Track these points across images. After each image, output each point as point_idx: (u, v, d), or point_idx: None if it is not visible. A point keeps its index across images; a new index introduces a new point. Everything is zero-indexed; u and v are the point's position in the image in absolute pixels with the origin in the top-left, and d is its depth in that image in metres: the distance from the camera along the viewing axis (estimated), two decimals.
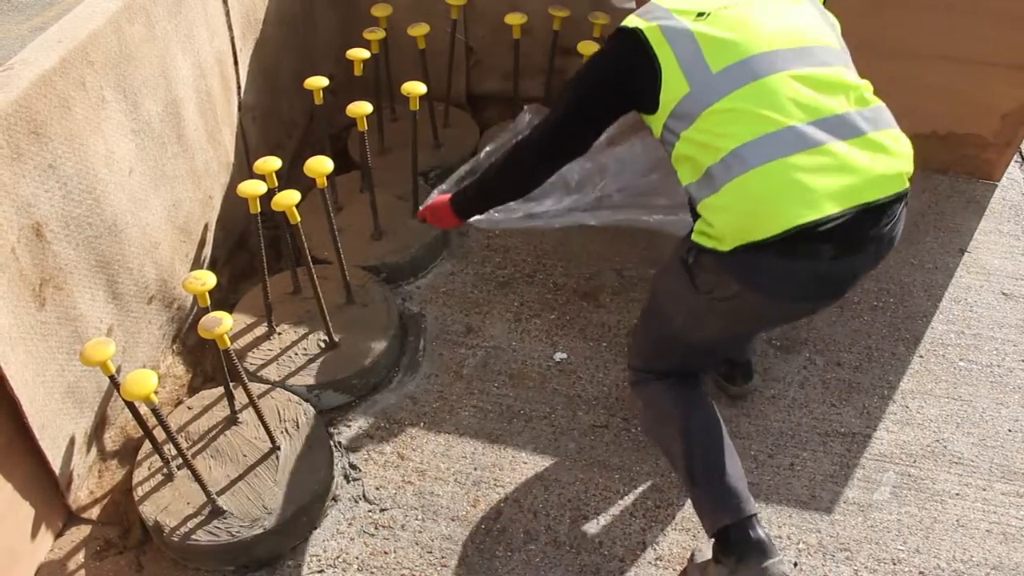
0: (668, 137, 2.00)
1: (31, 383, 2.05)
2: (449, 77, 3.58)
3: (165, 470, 2.33)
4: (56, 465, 2.19)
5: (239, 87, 3.00)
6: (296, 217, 2.38)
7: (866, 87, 1.97)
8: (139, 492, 2.29)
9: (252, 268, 3.07)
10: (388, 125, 3.54)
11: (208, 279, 2.16)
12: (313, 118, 3.53)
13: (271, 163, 2.43)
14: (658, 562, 2.26)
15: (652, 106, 2.00)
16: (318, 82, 2.78)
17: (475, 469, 2.49)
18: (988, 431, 2.60)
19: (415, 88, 2.80)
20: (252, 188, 2.37)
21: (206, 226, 2.86)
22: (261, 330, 2.74)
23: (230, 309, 2.80)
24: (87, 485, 2.37)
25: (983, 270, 3.17)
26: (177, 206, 2.65)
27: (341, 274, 2.74)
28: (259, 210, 2.43)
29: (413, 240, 3.10)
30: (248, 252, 3.12)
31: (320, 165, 2.45)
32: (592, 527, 2.35)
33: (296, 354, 2.68)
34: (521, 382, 2.71)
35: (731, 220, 1.86)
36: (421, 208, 2.56)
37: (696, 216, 1.99)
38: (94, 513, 2.35)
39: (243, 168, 3.05)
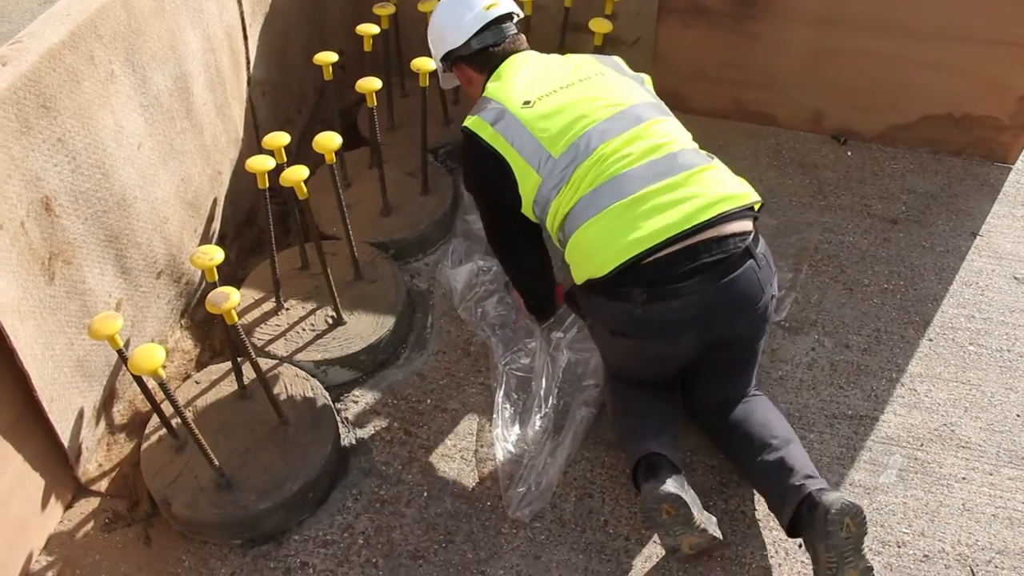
0: (540, 220, 2.34)
1: (40, 357, 2.06)
2: None
3: (173, 444, 2.34)
4: (65, 438, 2.20)
5: (248, 62, 2.98)
6: (304, 193, 2.38)
7: (677, 136, 2.23)
8: (147, 465, 2.31)
9: (260, 244, 3.07)
10: (398, 101, 3.53)
11: (216, 254, 2.16)
12: (322, 93, 3.51)
13: (280, 138, 2.43)
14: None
15: (519, 202, 2.31)
16: (328, 57, 2.77)
17: (481, 446, 2.50)
18: (996, 416, 2.59)
19: (425, 64, 2.79)
20: (261, 163, 2.37)
21: (215, 201, 2.86)
22: (269, 305, 2.75)
23: (238, 284, 2.80)
24: (96, 458, 2.39)
25: (995, 254, 3.14)
26: (186, 181, 2.65)
27: (349, 250, 2.74)
28: (268, 185, 2.42)
29: (422, 217, 3.09)
30: (256, 228, 3.12)
31: (329, 141, 2.44)
32: (597, 506, 2.35)
33: (304, 330, 2.68)
34: (530, 360, 2.71)
35: (576, 267, 2.21)
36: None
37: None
38: (103, 486, 2.37)
39: (252, 143, 3.04)
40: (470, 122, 2.34)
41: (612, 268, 2.07)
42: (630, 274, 2.07)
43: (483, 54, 2.49)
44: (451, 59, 2.55)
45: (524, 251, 2.56)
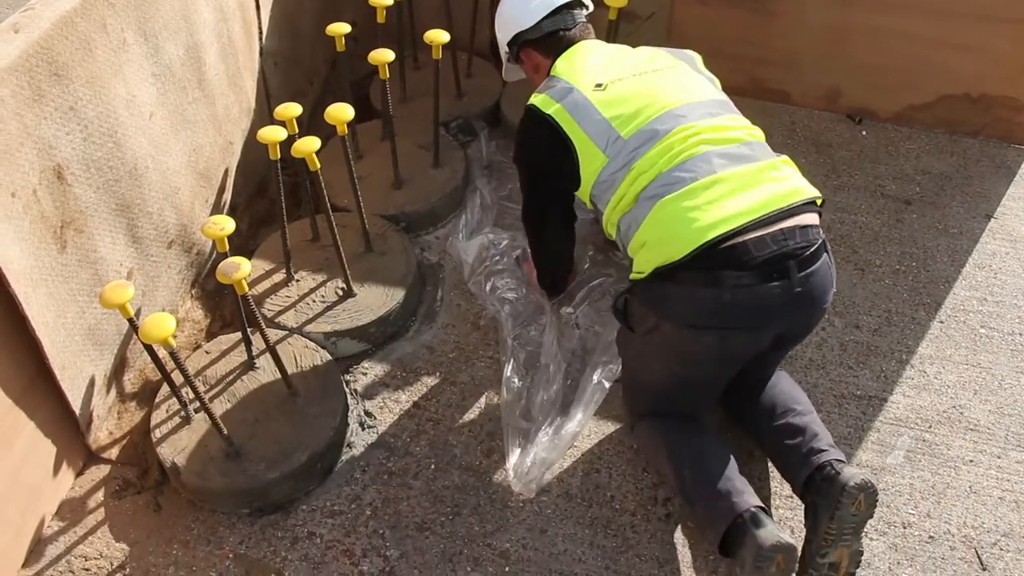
0: (597, 204, 2.25)
1: (52, 324, 2.07)
2: (473, 26, 3.53)
3: (183, 413, 2.36)
4: (76, 406, 2.22)
5: (261, 32, 2.97)
6: (316, 164, 2.37)
7: (750, 130, 2.18)
8: (157, 434, 2.33)
9: (271, 215, 3.07)
10: (410, 74, 3.51)
11: (227, 224, 2.16)
12: (335, 65, 3.50)
13: (292, 109, 2.42)
14: (668, 519, 2.27)
15: (577, 182, 2.26)
16: (340, 29, 2.75)
17: (489, 420, 2.50)
18: (1006, 399, 2.58)
19: (438, 36, 2.77)
20: (272, 134, 2.36)
21: (226, 172, 2.86)
22: (279, 276, 2.75)
23: (249, 255, 2.81)
24: (106, 426, 2.40)
25: (1010, 237, 3.12)
26: (197, 151, 2.65)
27: (360, 222, 2.74)
28: (279, 156, 2.42)
29: (433, 190, 3.09)
30: (268, 199, 3.12)
31: (341, 112, 2.44)
32: (604, 481, 2.36)
33: (314, 301, 2.69)
34: (539, 335, 2.71)
35: (648, 251, 2.05)
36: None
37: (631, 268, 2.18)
38: (113, 453, 2.39)
39: (264, 114, 3.04)
40: (537, 100, 2.29)
41: (696, 246, 1.93)
42: (715, 256, 1.94)
43: (553, 37, 2.44)
44: (518, 43, 2.50)
45: (558, 231, 2.55)
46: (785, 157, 2.14)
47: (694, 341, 2.05)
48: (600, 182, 2.19)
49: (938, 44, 3.31)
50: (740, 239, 1.93)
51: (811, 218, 2.02)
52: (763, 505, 2.03)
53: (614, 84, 2.22)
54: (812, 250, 1.97)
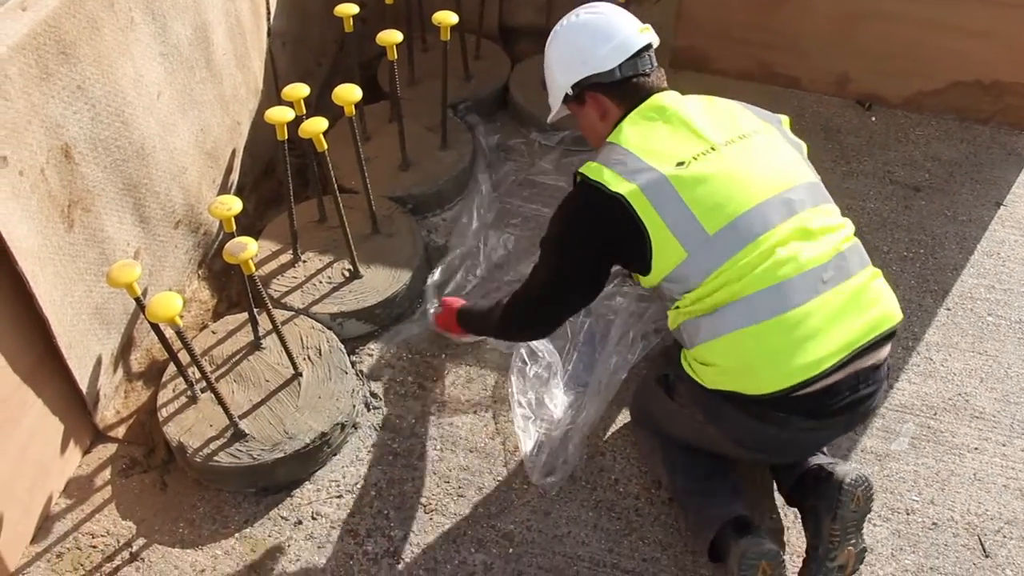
0: (665, 292, 2.00)
1: (59, 303, 2.08)
2: (482, 8, 3.52)
3: (189, 392, 2.37)
4: (83, 385, 2.23)
5: (269, 12, 2.96)
6: (323, 145, 2.37)
7: (844, 228, 1.97)
8: (163, 413, 2.34)
9: (279, 195, 3.07)
10: (418, 55, 3.50)
11: (234, 204, 2.16)
12: (343, 46, 3.49)
13: (300, 90, 2.41)
14: (672, 502, 2.28)
15: (644, 269, 1.97)
16: (348, 9, 2.74)
17: (494, 402, 2.51)
18: (1012, 387, 2.58)
19: (446, 18, 2.76)
20: (280, 115, 2.36)
21: (233, 152, 2.86)
22: (286, 257, 2.75)
23: (256, 236, 2.81)
24: (113, 405, 2.41)
25: (1019, 224, 3.11)
26: (205, 131, 2.64)
27: (367, 204, 2.74)
28: (287, 137, 2.42)
29: (441, 172, 3.08)
30: (275, 179, 3.12)
31: (349, 93, 2.43)
32: (608, 464, 2.37)
33: (320, 282, 2.69)
34: None
35: (719, 374, 1.91)
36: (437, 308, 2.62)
37: (679, 346, 2.06)
38: (120, 432, 2.40)
39: (272, 95, 3.03)
40: (602, 175, 1.93)
41: (774, 391, 1.84)
42: (788, 401, 1.85)
43: (626, 84, 2.07)
44: (584, 87, 2.11)
45: (547, 329, 2.23)
46: (876, 271, 1.97)
47: (734, 448, 2.05)
48: (674, 277, 1.93)
49: (949, 30, 3.29)
50: (818, 386, 1.84)
51: (886, 350, 1.94)
52: (749, 515, 2.05)
53: (698, 161, 1.90)
54: (876, 392, 1.95)
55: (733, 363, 1.89)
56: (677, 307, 1.98)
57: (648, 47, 2.10)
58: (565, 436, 2.39)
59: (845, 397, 1.88)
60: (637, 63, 2.07)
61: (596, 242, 1.98)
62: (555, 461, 2.35)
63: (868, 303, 1.89)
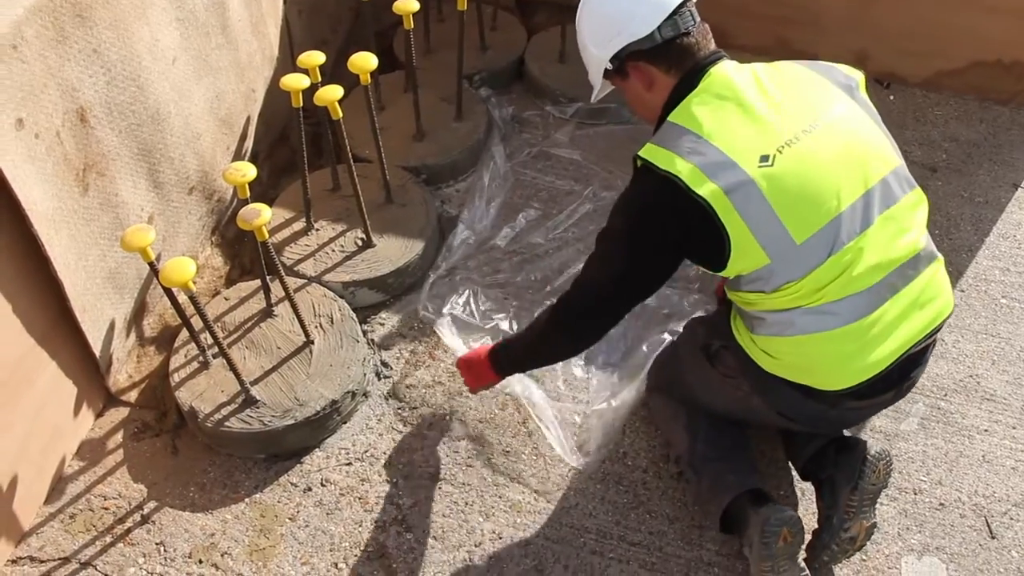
0: (731, 282, 1.90)
1: (74, 267, 2.09)
2: None
3: (201, 358, 2.38)
4: (97, 348, 2.24)
5: None
6: (338, 113, 2.36)
7: (920, 223, 1.90)
8: (175, 378, 2.35)
9: (292, 163, 3.07)
10: (435, 26, 3.48)
11: (248, 171, 2.16)
12: (359, 14, 3.46)
13: (315, 57, 2.40)
14: (680, 476, 2.28)
15: (717, 267, 1.83)
16: None
17: None
18: (1023, 370, 2.57)
19: None
20: (295, 82, 2.35)
21: (248, 119, 2.85)
22: (299, 225, 2.76)
23: (270, 203, 2.80)
24: (126, 369, 2.43)
25: None
26: (220, 97, 2.64)
27: (381, 173, 2.74)
28: (301, 105, 2.41)
29: (455, 143, 3.07)
30: (289, 147, 3.12)
31: (364, 62, 2.42)
32: (617, 437, 2.37)
33: (333, 250, 2.70)
34: (557, 288, 2.71)
35: (781, 365, 1.90)
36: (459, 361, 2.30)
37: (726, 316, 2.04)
38: (132, 396, 2.42)
39: (287, 62, 3.02)
40: (680, 168, 1.72)
41: (837, 390, 1.86)
42: (844, 390, 1.88)
43: (670, 47, 1.86)
44: (623, 57, 1.91)
45: (600, 333, 2.02)
46: (940, 260, 1.92)
47: (776, 417, 2.03)
48: (751, 278, 1.83)
49: (971, 8, 3.24)
50: (875, 375, 1.85)
51: (936, 334, 1.93)
52: (765, 489, 2.07)
53: (783, 154, 1.73)
54: (922, 368, 1.97)
55: (798, 361, 1.87)
56: (744, 299, 1.90)
57: (685, 1, 1.87)
58: (608, 421, 2.38)
59: (896, 380, 1.92)
60: (678, 21, 1.85)
61: (670, 241, 1.82)
62: (596, 442, 2.35)
63: (930, 297, 1.87)
